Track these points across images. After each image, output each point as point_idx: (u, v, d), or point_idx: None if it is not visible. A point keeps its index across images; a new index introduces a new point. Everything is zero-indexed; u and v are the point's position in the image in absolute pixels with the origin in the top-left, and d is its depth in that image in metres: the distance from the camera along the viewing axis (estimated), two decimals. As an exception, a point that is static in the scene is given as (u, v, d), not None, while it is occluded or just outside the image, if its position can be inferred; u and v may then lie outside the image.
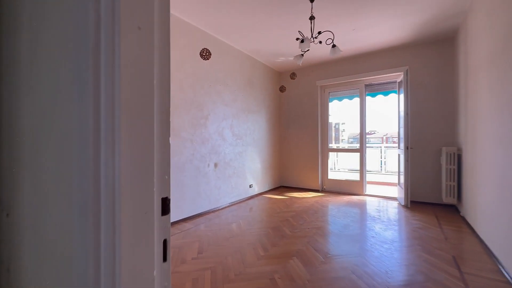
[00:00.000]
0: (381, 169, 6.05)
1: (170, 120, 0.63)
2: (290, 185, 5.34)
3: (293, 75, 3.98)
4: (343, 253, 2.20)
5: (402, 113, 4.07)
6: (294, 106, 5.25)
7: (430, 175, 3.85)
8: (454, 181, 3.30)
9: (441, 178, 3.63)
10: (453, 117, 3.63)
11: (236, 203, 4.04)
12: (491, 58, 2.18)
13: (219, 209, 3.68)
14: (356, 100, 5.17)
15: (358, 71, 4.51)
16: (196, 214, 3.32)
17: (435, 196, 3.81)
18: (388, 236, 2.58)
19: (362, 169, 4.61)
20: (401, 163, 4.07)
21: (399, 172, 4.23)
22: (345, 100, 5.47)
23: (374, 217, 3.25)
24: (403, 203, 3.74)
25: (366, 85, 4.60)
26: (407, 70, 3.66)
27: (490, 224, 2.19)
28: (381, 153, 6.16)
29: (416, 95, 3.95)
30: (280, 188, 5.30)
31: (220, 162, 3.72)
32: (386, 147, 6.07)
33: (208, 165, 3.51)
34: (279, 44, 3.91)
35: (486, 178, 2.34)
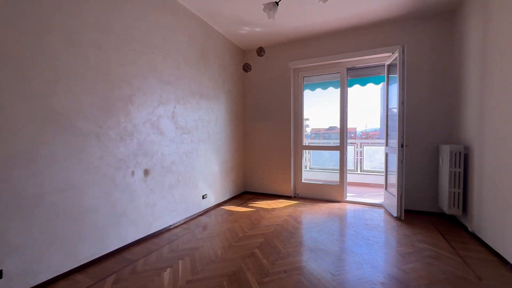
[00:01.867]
0: (356, 168, 5.43)
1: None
2: (256, 190, 4.35)
3: (260, 51, 2.96)
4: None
5: (392, 103, 3.33)
6: (263, 93, 4.24)
7: (425, 178, 3.19)
8: (459, 187, 2.64)
9: (439, 183, 2.97)
10: (455, 108, 2.97)
11: (182, 223, 2.89)
12: None
13: (152, 237, 2.50)
14: (331, 90, 4.37)
15: (339, 51, 3.67)
16: (108, 254, 2.11)
17: (430, 204, 3.17)
18: (405, 279, 1.73)
19: (343, 170, 3.82)
20: (391, 164, 3.35)
21: (386, 174, 3.52)
22: (318, 90, 4.66)
23: (368, 239, 2.42)
24: (395, 214, 3.01)
25: (348, 69, 3.79)
26: (403, 48, 2.89)
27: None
28: (357, 150, 5.53)
29: (406, 82, 3.23)
30: (245, 195, 4.28)
31: (154, 168, 2.52)
32: (363, 143, 5.47)
33: (133, 173, 2.30)
34: (242, 6, 2.82)
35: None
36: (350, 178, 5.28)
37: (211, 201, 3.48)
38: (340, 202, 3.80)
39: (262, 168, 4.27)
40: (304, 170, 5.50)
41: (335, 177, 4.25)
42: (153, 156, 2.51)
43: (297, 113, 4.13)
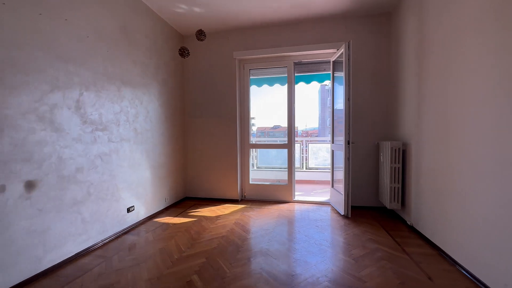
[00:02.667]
0: (302, 166, 5.46)
1: None
2: (199, 195, 3.84)
3: (200, 34, 2.50)
4: None
5: (338, 100, 3.31)
6: (205, 86, 3.74)
7: (367, 174, 3.27)
8: (398, 182, 2.74)
9: (380, 179, 3.06)
10: (393, 107, 3.10)
11: (97, 249, 2.19)
12: (490, 17, 1.42)
13: (43, 278, 1.76)
14: (277, 87, 4.21)
15: (287, 43, 3.47)
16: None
17: (372, 200, 3.26)
18: (360, 292, 1.55)
19: (291, 170, 3.67)
20: (337, 161, 3.33)
21: (332, 171, 3.50)
22: (265, 87, 4.45)
23: (321, 244, 2.24)
24: (342, 212, 2.97)
25: (295, 63, 3.64)
26: (349, 44, 2.85)
27: (485, 252, 1.50)
28: (302, 147, 5.56)
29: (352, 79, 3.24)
30: (185, 201, 3.71)
31: (45, 179, 1.78)
32: (309, 141, 5.53)
33: (4, 188, 1.54)
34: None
35: (472, 184, 1.65)
36: (296, 176, 5.26)
37: (141, 213, 2.82)
38: (289, 202, 3.63)
39: (205, 170, 3.78)
40: (252, 170, 5.23)
41: (282, 176, 4.09)
42: (43, 162, 1.77)
43: (244, 108, 3.79)
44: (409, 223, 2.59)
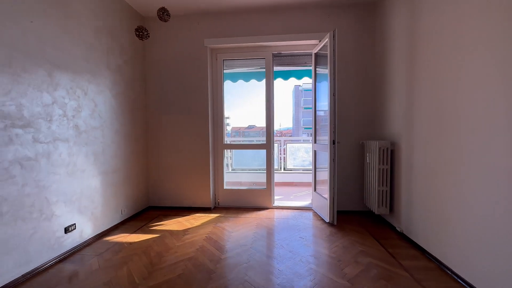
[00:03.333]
0: (280, 167, 5.16)
1: None
2: (165, 204, 3.31)
3: (163, 14, 2.03)
4: None
5: (321, 97, 3.03)
6: (172, 77, 3.23)
7: (351, 177, 3.03)
8: (387, 185, 2.52)
9: (365, 181, 2.84)
10: (379, 104, 2.89)
11: (14, 287, 1.62)
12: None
13: None
14: (254, 83, 3.84)
15: (265, 32, 3.11)
16: None
17: (357, 203, 3.04)
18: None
19: (270, 172, 3.31)
20: (320, 163, 3.05)
21: (314, 173, 3.22)
22: (240, 82, 4.07)
23: (308, 262, 1.90)
24: (327, 219, 2.69)
25: (274, 55, 3.29)
26: (334, 32, 2.56)
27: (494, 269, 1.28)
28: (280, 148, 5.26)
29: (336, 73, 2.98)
30: (148, 212, 3.17)
31: None
32: (287, 141, 5.24)
33: None
34: None
35: (479, 187, 1.43)
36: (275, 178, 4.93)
37: (86, 232, 2.25)
38: (268, 208, 3.27)
39: (172, 175, 3.27)
40: (226, 172, 4.81)
41: (260, 178, 3.72)
42: None
43: (217, 104, 3.35)
44: (398, 229, 2.38)
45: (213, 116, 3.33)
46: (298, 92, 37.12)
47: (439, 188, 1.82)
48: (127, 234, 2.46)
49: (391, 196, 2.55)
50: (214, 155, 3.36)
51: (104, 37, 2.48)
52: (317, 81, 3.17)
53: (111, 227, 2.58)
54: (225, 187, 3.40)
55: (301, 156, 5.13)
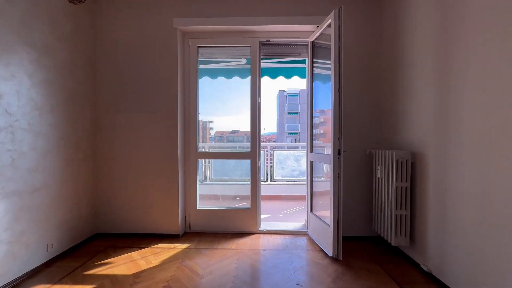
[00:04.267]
0: (267, 178, 4.51)
1: None
2: (118, 230, 2.54)
3: None
4: None
5: (318, 95, 2.45)
6: (131, 65, 2.51)
7: (356, 195, 2.45)
8: (406, 208, 1.95)
9: (375, 202, 2.26)
10: (392, 105, 2.34)
11: None
12: None
13: None
14: (237, 81, 3.20)
15: (251, 13, 2.49)
16: None
17: (363, 227, 2.45)
18: None
19: (256, 189, 2.65)
20: (319, 176, 2.45)
21: (311, 190, 2.60)
22: (221, 80, 3.43)
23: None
24: (330, 253, 2.06)
25: (262, 43, 2.68)
26: (339, 11, 1.99)
27: None
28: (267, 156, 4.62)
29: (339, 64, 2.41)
30: (94, 242, 2.37)
31: None
32: (274, 148, 4.62)
33: None
34: None
35: None
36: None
37: (-31, 292, 1.45)
38: (252, 234, 2.60)
39: (129, 191, 2.51)
40: (204, 184, 4.11)
41: (243, 191, 3.05)
42: None
43: (189, 103, 2.66)
44: (425, 269, 1.80)
45: (184, 117, 2.63)
46: (282, 97, 37.08)
47: (484, 210, 1.26)
48: (48, 286, 1.68)
49: (411, 222, 1.98)
50: (184, 166, 2.65)
51: (20, 3, 1.73)
52: (314, 77, 2.59)
53: (27, 273, 1.78)
54: (198, 206, 2.69)
55: (290, 165, 4.53)
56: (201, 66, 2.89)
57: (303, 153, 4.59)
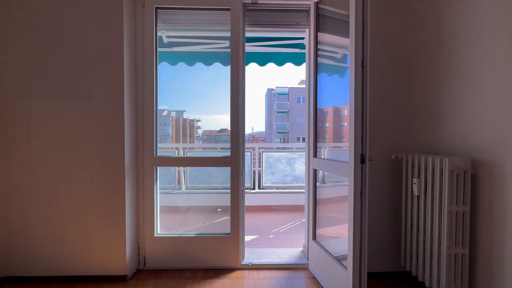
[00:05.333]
0: (254, 185, 3.78)
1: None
2: (35, 272, 1.72)
3: None
4: None
5: (333, 77, 1.76)
6: (54, 31, 1.69)
7: (378, 214, 1.78)
8: (463, 246, 1.29)
9: (407, 227, 1.59)
10: (422, 87, 1.68)
11: None
12: None
13: None
14: (218, 67, 2.45)
15: (230, -42, 1.75)
16: None
17: (387, 260, 1.78)
18: None
19: (238, 209, 1.92)
20: (327, 192, 1.76)
21: (313, 208, 1.90)
22: (200, 67, 2.70)
23: None
24: (346, 309, 1.37)
25: (246, 6, 1.94)
26: None
27: None
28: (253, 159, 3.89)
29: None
30: (-16, 298, 1.55)
31: None
32: (262, 149, 3.90)
33: None
34: None
35: None
36: (245, 200, 3.54)
37: None
38: (233, 270, 1.87)
39: (50, 215, 1.71)
40: (176, 193, 3.40)
41: (225, 201, 2.30)
42: None
43: (144, 87, 1.88)
44: None
45: (135, 108, 1.86)
46: (271, 95, 36.40)
47: None
48: None
49: (471, 265, 1.32)
50: (137, 176, 1.87)
51: None
52: (319, 54, 1.89)
53: None
54: (157, 233, 1.93)
55: (281, 169, 3.83)
56: (176, 49, 2.18)
57: (297, 155, 3.91)
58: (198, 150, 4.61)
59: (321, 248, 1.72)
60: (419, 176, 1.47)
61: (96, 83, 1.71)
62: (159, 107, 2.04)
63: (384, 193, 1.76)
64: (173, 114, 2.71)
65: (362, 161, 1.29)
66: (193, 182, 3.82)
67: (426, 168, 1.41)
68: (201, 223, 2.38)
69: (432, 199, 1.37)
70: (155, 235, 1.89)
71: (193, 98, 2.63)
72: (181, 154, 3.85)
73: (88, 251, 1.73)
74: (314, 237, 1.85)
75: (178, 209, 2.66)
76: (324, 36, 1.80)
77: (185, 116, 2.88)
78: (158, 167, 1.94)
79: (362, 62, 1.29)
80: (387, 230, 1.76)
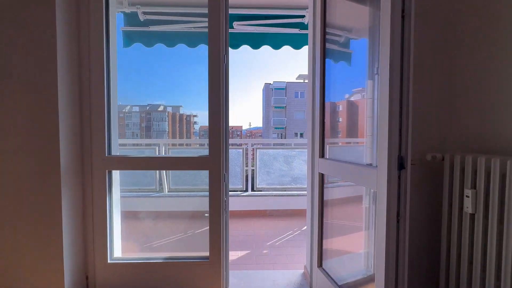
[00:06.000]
0: (246, 187, 3.31)
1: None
2: None
3: None
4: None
5: (346, 56, 1.27)
6: None
7: (414, 247, 1.32)
8: (554, 293, 0.85)
9: (454, 256, 1.14)
10: (479, 75, 1.21)
11: None
12: None
13: None
14: (204, 48, 1.94)
15: None
16: None
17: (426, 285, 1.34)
18: None
19: (219, 226, 1.45)
20: (335, 193, 1.30)
21: (319, 225, 1.43)
22: (181, 46, 2.33)
23: None
24: None
25: (229, -47, 1.44)
26: None
27: None
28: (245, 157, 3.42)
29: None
30: None
31: None
32: (256, 145, 3.42)
33: None
34: None
35: None
36: (236, 204, 3.09)
37: None
38: (213, 305, 1.42)
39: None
40: (158, 197, 2.96)
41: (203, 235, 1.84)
42: None
43: (89, 61, 1.38)
44: None
45: (78, 91, 1.36)
46: (268, 90, 35.71)
47: None
48: None
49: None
50: (83, 183, 1.39)
51: None
52: (326, 32, 1.40)
53: None
54: (112, 258, 1.45)
55: (278, 168, 3.36)
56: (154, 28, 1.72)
57: (296, 153, 3.45)
58: (195, 146, 4.12)
59: (329, 279, 1.27)
60: (474, 187, 1.01)
61: (15, 57, 1.21)
62: (139, 98, 1.56)
63: (415, 210, 1.30)
64: (138, 104, 2.26)
65: (401, 166, 0.83)
66: (177, 183, 3.36)
67: (488, 174, 0.96)
68: (182, 233, 1.95)
69: (500, 222, 0.92)
70: (108, 261, 1.42)
71: (174, 85, 2.19)
72: (163, 153, 3.38)
73: (17, 284, 1.26)
74: (320, 264, 1.39)
75: (159, 216, 2.20)
76: (335, 8, 1.33)
77: (155, 103, 2.43)
78: (110, 171, 1.45)
79: (403, 11, 0.82)
80: (420, 265, 1.30)
